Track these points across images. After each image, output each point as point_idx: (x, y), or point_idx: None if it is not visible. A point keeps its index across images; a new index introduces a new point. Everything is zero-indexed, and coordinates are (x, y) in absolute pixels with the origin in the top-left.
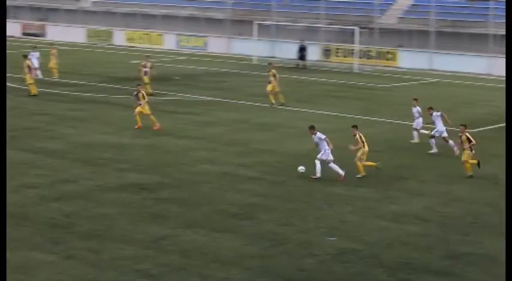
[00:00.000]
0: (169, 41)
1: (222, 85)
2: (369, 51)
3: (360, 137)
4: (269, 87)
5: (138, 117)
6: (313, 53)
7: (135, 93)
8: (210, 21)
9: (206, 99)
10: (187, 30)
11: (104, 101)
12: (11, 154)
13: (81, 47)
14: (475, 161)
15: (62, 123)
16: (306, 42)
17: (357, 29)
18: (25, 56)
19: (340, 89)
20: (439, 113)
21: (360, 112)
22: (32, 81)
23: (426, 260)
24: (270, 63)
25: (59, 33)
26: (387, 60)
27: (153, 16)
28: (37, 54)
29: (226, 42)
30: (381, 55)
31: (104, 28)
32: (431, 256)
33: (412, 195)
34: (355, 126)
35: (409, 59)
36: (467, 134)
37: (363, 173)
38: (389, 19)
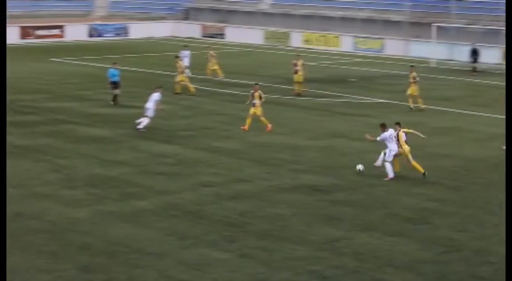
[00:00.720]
0: (346, 43)
1: (398, 88)
2: None
3: (397, 135)
4: (410, 91)
5: (249, 120)
6: (493, 56)
7: (251, 91)
8: (388, 23)
9: (382, 101)
10: (364, 32)
11: (279, 102)
12: (188, 153)
13: (259, 49)
14: None
15: (238, 124)
16: (480, 44)
17: None
18: (177, 57)
19: None
20: None
21: None
22: (183, 80)
23: None
24: (412, 66)
25: (237, 34)
26: None
27: (331, 18)
28: (188, 52)
29: (403, 45)
30: None
31: (281, 30)
32: None
33: None
34: (398, 124)
35: None
36: None
37: (421, 170)
38: None
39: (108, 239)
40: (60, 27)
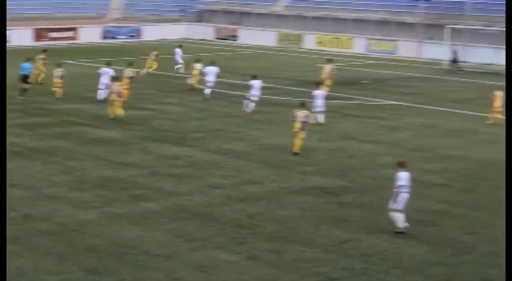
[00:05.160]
0: (359, 45)
1: (411, 90)
2: None
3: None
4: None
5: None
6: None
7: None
8: (401, 25)
9: (394, 103)
10: (377, 34)
11: (291, 104)
12: (198, 155)
13: (271, 51)
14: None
15: (249, 126)
16: (495, 46)
17: None
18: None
19: None
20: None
21: None
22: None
23: None
24: (329, 59)
25: (250, 36)
26: None
27: (344, 20)
28: (180, 50)
29: (417, 47)
30: None
31: (294, 32)
32: None
33: None
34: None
35: None
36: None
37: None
38: None
39: (116, 241)
40: (74, 29)
